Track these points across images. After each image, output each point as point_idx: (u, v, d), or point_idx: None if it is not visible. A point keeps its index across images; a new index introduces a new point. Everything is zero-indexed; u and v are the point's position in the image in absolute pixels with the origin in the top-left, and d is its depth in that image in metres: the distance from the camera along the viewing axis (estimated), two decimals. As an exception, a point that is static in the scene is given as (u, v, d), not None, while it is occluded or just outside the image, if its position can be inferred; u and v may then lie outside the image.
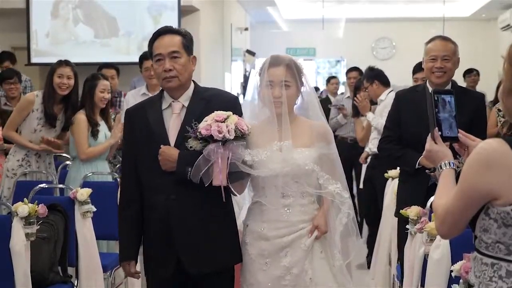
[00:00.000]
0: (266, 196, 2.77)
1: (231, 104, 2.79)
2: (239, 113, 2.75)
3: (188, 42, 2.78)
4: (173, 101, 2.78)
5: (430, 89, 3.58)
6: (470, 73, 9.04)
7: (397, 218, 3.73)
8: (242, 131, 2.64)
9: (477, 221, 1.75)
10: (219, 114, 2.65)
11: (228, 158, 2.61)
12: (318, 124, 2.86)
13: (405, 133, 3.66)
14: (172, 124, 2.75)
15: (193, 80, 2.84)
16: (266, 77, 2.78)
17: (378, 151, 4.11)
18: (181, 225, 2.70)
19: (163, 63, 2.73)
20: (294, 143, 2.77)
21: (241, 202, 2.96)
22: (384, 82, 5.72)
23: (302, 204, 2.78)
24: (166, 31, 2.78)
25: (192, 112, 2.73)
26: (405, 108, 3.69)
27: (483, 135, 3.23)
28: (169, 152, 2.68)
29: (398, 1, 13.62)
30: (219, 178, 2.60)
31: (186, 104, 2.77)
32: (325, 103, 7.34)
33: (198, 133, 2.63)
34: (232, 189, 2.71)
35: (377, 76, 5.72)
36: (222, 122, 2.61)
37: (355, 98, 5.94)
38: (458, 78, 8.49)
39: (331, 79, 8.39)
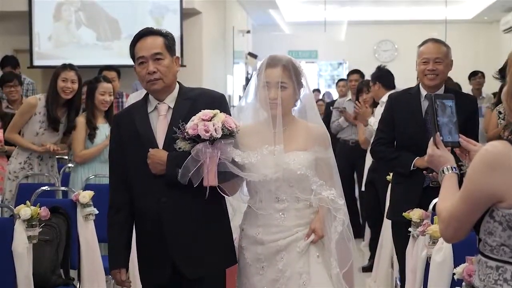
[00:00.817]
0: (260, 200, 2.72)
1: (217, 102, 2.73)
2: (227, 111, 2.69)
3: (170, 43, 2.74)
4: (158, 103, 2.74)
5: (423, 91, 3.59)
6: (475, 75, 9.02)
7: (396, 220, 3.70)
8: (230, 129, 2.58)
9: (481, 224, 1.74)
10: (205, 113, 2.59)
11: (217, 157, 2.56)
12: (316, 126, 2.80)
13: (400, 135, 3.65)
14: (159, 126, 2.71)
15: (178, 81, 2.80)
16: (263, 78, 2.73)
17: (371, 154, 4.07)
18: (173, 227, 2.65)
19: (146, 65, 2.68)
20: (290, 146, 2.71)
21: (235, 204, 2.89)
22: (386, 84, 5.63)
23: (297, 209, 2.72)
24: (147, 32, 2.73)
25: (178, 113, 2.69)
26: (399, 110, 3.67)
27: (475, 139, 3.22)
28: (158, 155, 2.64)
29: (400, 3, 13.62)
30: (208, 178, 2.55)
31: (171, 105, 2.72)
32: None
33: (185, 134, 2.58)
34: (224, 190, 2.65)
35: (379, 78, 5.66)
36: (208, 121, 2.56)
37: (355, 103, 5.91)
38: (463, 80, 8.50)
39: (339, 82, 8.38)
